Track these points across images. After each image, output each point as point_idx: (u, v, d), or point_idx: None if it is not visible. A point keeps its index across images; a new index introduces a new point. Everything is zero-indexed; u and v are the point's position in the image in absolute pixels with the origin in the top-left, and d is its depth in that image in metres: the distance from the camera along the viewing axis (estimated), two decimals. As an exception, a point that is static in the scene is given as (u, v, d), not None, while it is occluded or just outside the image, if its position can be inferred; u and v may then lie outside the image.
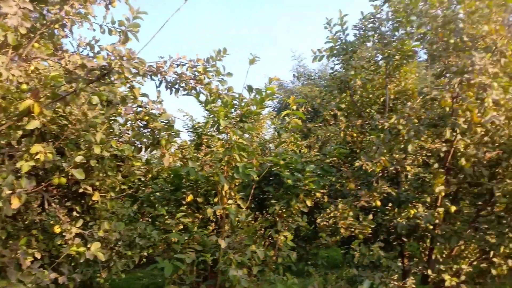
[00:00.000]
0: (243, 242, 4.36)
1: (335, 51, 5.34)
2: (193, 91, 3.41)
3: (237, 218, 4.10)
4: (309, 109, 5.66)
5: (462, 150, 4.58)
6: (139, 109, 3.22)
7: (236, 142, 3.84)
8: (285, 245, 4.48)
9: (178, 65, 3.24)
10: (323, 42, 5.35)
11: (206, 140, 4.23)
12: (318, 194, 5.05)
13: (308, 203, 4.71)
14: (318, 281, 4.91)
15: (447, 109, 4.16)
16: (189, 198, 4.35)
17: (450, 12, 4.28)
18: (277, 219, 4.55)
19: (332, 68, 5.69)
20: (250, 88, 3.76)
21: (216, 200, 4.09)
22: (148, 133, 3.22)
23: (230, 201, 4.11)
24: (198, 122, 4.09)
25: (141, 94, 3.05)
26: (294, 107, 4.45)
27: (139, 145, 3.34)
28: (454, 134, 4.45)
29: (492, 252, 5.29)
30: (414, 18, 4.52)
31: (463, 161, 4.63)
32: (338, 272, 5.71)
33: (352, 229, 4.88)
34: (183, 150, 4.54)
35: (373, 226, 4.90)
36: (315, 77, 15.01)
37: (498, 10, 4.04)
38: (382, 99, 5.54)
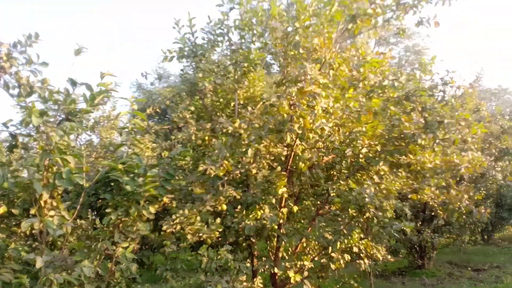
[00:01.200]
0: (71, 258, 3.84)
1: (185, 53, 5.22)
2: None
3: (63, 231, 3.58)
4: (158, 110, 5.41)
5: (300, 154, 4.92)
6: None
7: (58, 143, 3.33)
8: (123, 256, 4.10)
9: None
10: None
11: (23, 142, 3.59)
12: (165, 199, 4.82)
13: (152, 209, 4.42)
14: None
15: (285, 115, 4.39)
16: (1, 210, 3.64)
17: (288, 25, 4.56)
18: (115, 229, 4.14)
19: (182, 70, 5.55)
20: (73, 82, 3.32)
21: (34, 211, 3.49)
22: None
23: (52, 212, 3.56)
24: (10, 120, 3.45)
25: None
26: (135, 107, 4.13)
27: None
28: (294, 139, 4.73)
29: (330, 248, 5.78)
30: (257, 27, 4.70)
31: (301, 164, 4.98)
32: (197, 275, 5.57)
33: (200, 234, 4.78)
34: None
35: (221, 229, 4.87)
36: (175, 79, 14.93)
37: (327, 25, 4.45)
38: (232, 103, 5.63)
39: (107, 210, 4.00)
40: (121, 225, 4.15)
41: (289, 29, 4.60)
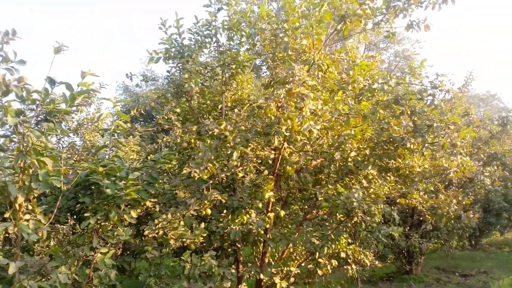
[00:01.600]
0: (48, 263, 3.68)
1: (171, 54, 5.10)
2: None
3: (39, 236, 3.42)
4: (142, 112, 5.27)
5: (287, 157, 4.82)
6: None
7: (34, 145, 3.19)
8: (102, 262, 3.94)
9: None
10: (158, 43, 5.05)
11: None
12: (148, 203, 4.69)
13: (134, 214, 4.27)
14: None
15: (272, 117, 4.29)
16: (-25, 213, 3.49)
17: (276, 26, 4.48)
18: (93, 234, 3.99)
19: (168, 71, 5.43)
20: (52, 81, 3.17)
21: (8, 215, 3.33)
22: None
23: (27, 216, 3.40)
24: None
25: None
26: (118, 108, 4.00)
27: None
28: (281, 142, 4.64)
29: (317, 253, 5.68)
30: (245, 27, 4.60)
31: (288, 168, 4.88)
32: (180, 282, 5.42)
33: (184, 239, 4.64)
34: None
35: (205, 234, 4.74)
36: (163, 82, 14.76)
37: (316, 26, 4.38)
38: (220, 106, 5.52)
39: (86, 214, 3.85)
40: (100, 230, 4.00)
41: (278, 30, 4.52)
